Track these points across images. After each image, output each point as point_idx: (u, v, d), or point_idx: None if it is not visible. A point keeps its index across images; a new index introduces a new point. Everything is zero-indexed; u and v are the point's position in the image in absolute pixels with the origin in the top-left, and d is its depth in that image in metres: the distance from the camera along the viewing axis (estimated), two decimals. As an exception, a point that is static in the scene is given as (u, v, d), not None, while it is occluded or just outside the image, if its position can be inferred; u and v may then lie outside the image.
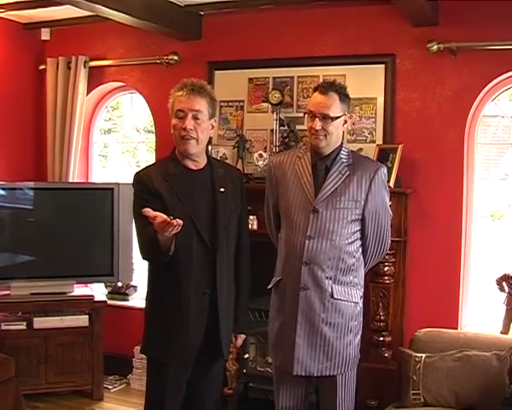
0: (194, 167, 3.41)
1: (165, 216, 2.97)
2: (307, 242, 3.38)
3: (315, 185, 3.44)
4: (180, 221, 2.97)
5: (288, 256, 3.47)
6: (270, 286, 3.62)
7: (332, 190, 3.40)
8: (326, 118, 3.37)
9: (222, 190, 3.41)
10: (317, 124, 3.37)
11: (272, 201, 3.66)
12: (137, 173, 3.44)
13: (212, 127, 3.43)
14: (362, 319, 3.59)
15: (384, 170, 3.52)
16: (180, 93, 3.32)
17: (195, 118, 3.29)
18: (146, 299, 3.52)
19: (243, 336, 3.69)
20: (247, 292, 3.64)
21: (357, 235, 3.46)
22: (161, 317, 3.39)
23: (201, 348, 3.36)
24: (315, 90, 3.48)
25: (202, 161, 3.44)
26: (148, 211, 3.00)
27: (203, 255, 3.32)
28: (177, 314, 3.33)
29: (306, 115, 3.48)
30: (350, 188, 3.41)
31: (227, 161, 5.23)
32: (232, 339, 3.61)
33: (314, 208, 3.39)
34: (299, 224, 3.42)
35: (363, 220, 3.45)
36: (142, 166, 3.80)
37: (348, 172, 3.43)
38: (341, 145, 3.51)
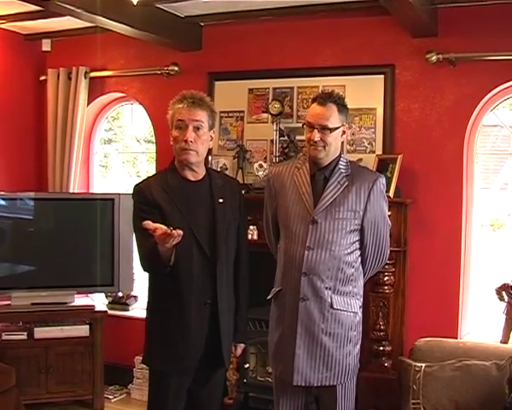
0: (193, 178, 3.42)
1: (165, 228, 2.99)
2: (306, 252, 3.38)
3: (314, 196, 3.44)
4: (180, 232, 2.98)
5: (288, 267, 3.47)
6: (269, 297, 3.62)
7: (331, 200, 3.40)
8: (324, 129, 3.38)
9: (221, 200, 3.43)
10: (316, 135, 3.37)
11: (271, 211, 3.66)
12: (137, 185, 3.45)
13: (211, 138, 3.44)
14: (361, 328, 3.59)
15: (383, 180, 3.53)
16: (181, 105, 3.34)
17: (196, 129, 3.31)
18: (147, 309, 3.53)
19: (243, 345, 3.70)
20: (247, 302, 3.65)
21: (357, 245, 3.47)
22: (162, 327, 3.39)
23: (202, 357, 3.37)
24: (313, 101, 3.48)
25: (201, 172, 3.46)
26: (148, 223, 3.01)
27: (203, 266, 3.33)
28: (178, 324, 3.34)
29: (305, 126, 3.48)
30: (349, 198, 3.41)
31: (227, 172, 5.27)
32: (232, 348, 3.61)
33: (313, 219, 3.39)
34: (298, 234, 3.42)
35: (361, 230, 3.45)
36: (143, 177, 3.82)
37: (347, 183, 3.43)
38: (340, 156, 3.51)
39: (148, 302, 3.52)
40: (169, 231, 2.96)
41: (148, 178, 3.58)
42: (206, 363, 3.40)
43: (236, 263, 3.55)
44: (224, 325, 3.40)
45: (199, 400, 3.54)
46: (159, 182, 3.41)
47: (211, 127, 3.40)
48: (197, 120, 3.31)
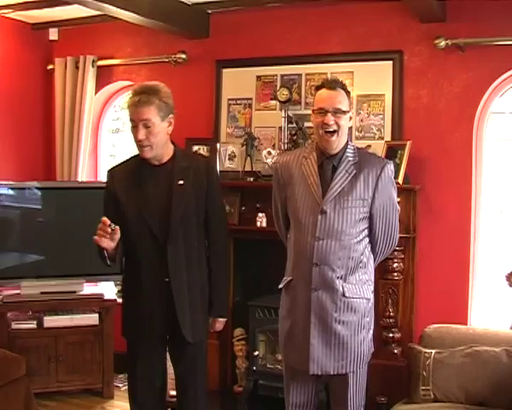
0: (156, 163, 3.54)
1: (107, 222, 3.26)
2: (316, 243, 3.34)
3: (322, 185, 3.40)
4: (117, 228, 3.28)
5: (298, 258, 3.44)
6: (280, 286, 3.59)
7: (339, 189, 3.36)
8: (338, 112, 3.34)
9: (180, 182, 3.52)
10: (330, 118, 3.35)
11: (281, 202, 3.61)
12: (109, 170, 3.69)
13: (170, 123, 3.52)
14: (373, 313, 3.57)
15: (391, 166, 3.48)
16: (130, 101, 3.45)
17: (146, 126, 3.40)
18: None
19: (221, 319, 3.76)
20: (225, 279, 3.80)
21: (366, 232, 3.43)
22: (128, 303, 3.69)
23: (166, 332, 3.59)
24: (319, 88, 3.44)
25: (167, 156, 3.57)
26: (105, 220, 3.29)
27: (157, 247, 3.48)
28: (137, 300, 3.56)
29: (314, 113, 3.42)
30: (357, 187, 3.37)
31: (235, 159, 5.30)
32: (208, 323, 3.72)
33: (322, 209, 3.35)
34: (308, 225, 3.39)
35: (370, 218, 3.41)
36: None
37: (355, 171, 3.38)
38: (347, 143, 3.47)
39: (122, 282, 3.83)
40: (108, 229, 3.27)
41: (120, 163, 3.74)
42: (172, 339, 3.62)
43: (210, 244, 3.68)
44: (182, 303, 3.51)
45: (179, 375, 3.72)
46: (124, 168, 3.63)
47: (163, 117, 3.45)
48: (145, 119, 3.39)
